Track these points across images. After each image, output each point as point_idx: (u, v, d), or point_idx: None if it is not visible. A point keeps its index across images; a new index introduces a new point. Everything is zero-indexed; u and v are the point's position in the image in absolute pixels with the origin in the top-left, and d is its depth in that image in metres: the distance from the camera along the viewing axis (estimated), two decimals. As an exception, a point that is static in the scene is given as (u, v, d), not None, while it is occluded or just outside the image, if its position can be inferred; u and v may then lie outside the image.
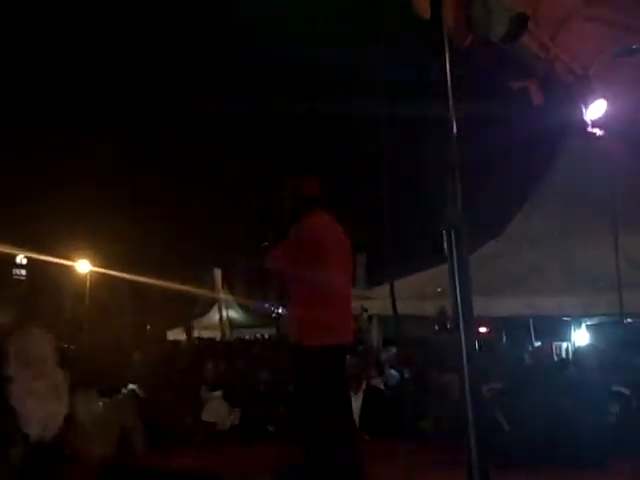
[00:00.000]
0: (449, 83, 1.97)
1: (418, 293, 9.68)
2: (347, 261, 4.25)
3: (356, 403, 6.70)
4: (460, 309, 1.81)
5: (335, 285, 3.99)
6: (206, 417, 6.48)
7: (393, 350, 9.65)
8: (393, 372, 8.19)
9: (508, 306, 9.45)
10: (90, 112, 17.09)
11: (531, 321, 11.05)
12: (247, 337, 21.07)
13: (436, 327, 10.22)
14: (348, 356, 4.80)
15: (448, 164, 1.92)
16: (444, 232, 1.86)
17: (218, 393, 6.93)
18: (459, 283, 1.81)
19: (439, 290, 9.96)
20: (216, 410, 6.66)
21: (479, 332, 12.42)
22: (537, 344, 10.92)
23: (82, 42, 15.32)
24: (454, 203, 1.88)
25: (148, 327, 22.38)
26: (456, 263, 1.83)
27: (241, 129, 17.80)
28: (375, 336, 11.15)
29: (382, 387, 7.62)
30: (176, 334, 20.47)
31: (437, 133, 1.98)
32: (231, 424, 6.55)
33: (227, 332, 16.24)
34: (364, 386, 7.12)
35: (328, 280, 3.93)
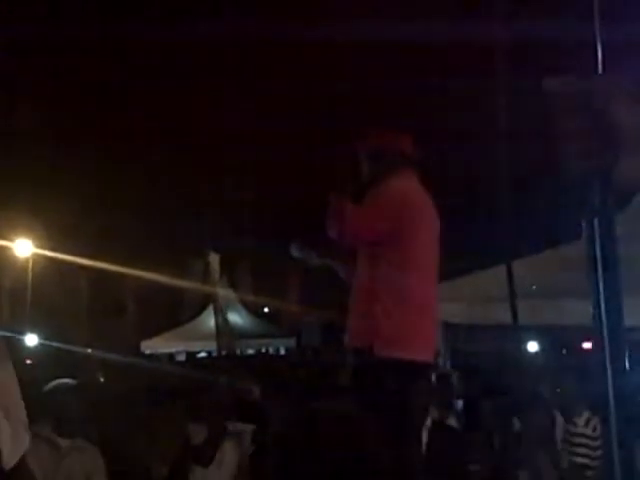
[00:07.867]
0: None
1: (494, 294, 9.52)
2: (436, 244, 4.15)
3: None
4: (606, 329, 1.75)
5: (424, 276, 3.96)
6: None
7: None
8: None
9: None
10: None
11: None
12: (253, 351, 21.27)
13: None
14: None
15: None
16: (583, 223, 1.80)
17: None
18: (607, 292, 1.75)
19: (534, 288, 9.80)
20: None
21: (582, 348, 12.17)
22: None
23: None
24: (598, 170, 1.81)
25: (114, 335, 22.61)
26: (601, 271, 1.76)
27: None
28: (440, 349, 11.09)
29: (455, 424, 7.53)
30: (155, 346, 20.67)
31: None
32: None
33: (228, 344, 16.28)
34: (429, 422, 6.95)
35: (419, 268, 3.91)
